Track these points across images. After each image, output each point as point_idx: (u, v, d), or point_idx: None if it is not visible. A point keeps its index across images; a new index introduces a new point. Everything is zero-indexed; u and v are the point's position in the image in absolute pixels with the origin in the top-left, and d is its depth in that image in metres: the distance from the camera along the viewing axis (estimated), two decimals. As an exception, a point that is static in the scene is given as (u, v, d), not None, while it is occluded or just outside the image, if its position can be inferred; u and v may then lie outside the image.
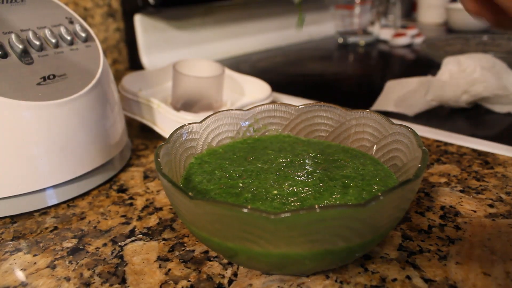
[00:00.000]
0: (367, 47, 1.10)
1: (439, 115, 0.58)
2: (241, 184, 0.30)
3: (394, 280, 0.28)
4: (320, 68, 0.91)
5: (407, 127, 0.32)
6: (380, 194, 0.22)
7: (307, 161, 0.33)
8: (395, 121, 0.34)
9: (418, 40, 1.08)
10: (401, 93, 0.62)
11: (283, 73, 0.87)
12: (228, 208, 0.22)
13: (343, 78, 0.85)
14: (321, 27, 1.24)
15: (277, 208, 0.27)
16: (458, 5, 1.27)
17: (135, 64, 0.88)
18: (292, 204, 0.27)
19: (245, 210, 0.22)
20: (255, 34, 1.06)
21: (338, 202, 0.27)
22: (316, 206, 0.21)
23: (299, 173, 0.31)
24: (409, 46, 1.07)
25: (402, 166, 0.31)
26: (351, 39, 1.13)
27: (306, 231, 0.22)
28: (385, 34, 1.12)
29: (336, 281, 0.28)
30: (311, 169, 0.31)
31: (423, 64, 0.92)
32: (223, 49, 0.98)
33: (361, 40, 1.13)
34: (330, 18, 1.22)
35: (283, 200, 0.28)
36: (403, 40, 1.07)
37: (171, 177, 0.28)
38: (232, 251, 0.25)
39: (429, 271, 0.29)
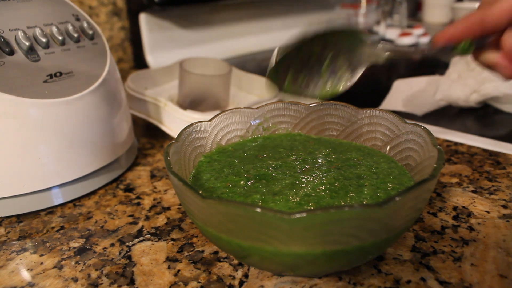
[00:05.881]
0: (373, 47, 1.09)
1: (448, 114, 0.57)
2: (250, 182, 0.30)
3: (409, 282, 0.27)
4: (326, 68, 0.91)
5: (421, 126, 0.31)
6: (396, 194, 0.22)
7: (319, 159, 0.32)
8: (406, 121, 0.34)
9: (424, 40, 1.07)
10: (409, 93, 0.62)
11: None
12: (242, 208, 0.21)
13: (349, 77, 0.84)
14: (326, 27, 1.23)
15: (292, 208, 0.26)
16: (464, 5, 1.26)
17: (139, 63, 0.87)
18: (309, 204, 0.27)
19: (259, 210, 0.21)
20: (260, 33, 1.05)
21: (353, 201, 0.27)
22: (332, 206, 0.21)
23: (313, 172, 0.30)
24: (415, 45, 1.06)
25: (416, 166, 0.31)
26: (357, 39, 1.12)
27: (322, 231, 0.21)
28: (391, 33, 1.12)
29: (349, 282, 0.27)
30: (324, 168, 0.31)
31: (430, 63, 0.91)
32: (228, 48, 0.98)
33: (367, 40, 1.12)
34: (335, 17, 1.21)
35: (298, 200, 0.27)
36: (409, 40, 1.06)
37: (180, 176, 0.27)
38: (244, 251, 0.24)
39: (444, 273, 0.28)
